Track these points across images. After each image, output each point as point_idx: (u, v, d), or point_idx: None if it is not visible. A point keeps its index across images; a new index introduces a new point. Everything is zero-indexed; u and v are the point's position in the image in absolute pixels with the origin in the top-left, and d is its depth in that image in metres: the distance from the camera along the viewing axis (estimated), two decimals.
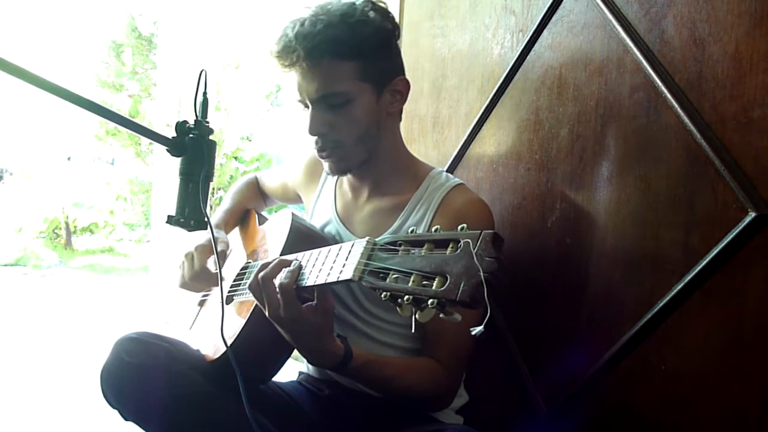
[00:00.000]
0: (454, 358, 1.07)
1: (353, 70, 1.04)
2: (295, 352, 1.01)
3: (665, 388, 1.02)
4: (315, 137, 1.09)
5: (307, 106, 1.08)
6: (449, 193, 1.12)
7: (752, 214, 0.90)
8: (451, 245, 0.65)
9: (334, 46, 1.02)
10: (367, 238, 0.77)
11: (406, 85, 1.13)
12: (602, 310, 1.12)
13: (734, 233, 0.92)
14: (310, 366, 1.25)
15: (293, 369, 1.24)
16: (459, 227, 0.67)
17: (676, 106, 0.99)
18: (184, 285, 1.24)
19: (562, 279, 1.20)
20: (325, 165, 1.14)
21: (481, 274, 0.60)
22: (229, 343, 0.98)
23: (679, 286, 0.99)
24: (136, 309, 4.05)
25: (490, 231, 0.64)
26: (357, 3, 1.06)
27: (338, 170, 1.14)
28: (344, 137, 1.08)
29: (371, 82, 1.07)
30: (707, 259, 0.95)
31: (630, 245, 1.07)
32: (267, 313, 0.90)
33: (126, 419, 1.03)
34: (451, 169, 1.45)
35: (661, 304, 1.01)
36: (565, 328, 1.18)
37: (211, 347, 1.08)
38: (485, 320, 0.59)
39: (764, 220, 0.89)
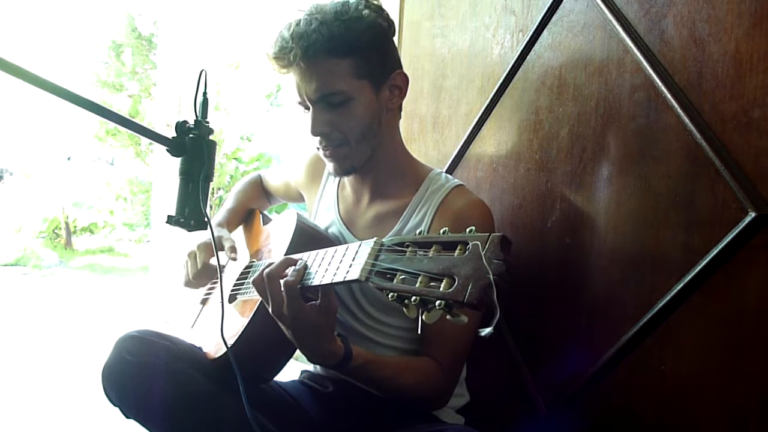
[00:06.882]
0: (451, 359, 1.07)
1: (350, 68, 1.05)
2: (297, 353, 1.01)
3: (665, 388, 1.02)
4: (318, 137, 1.09)
5: (307, 108, 1.09)
6: (448, 195, 1.12)
7: (752, 214, 0.90)
8: (459, 247, 0.66)
9: (330, 44, 1.02)
10: (374, 238, 0.77)
11: (405, 80, 1.13)
12: (602, 310, 1.12)
13: (734, 233, 0.92)
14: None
15: (295, 369, 1.24)
16: (467, 229, 0.67)
17: (676, 106, 1.00)
18: (188, 283, 1.25)
19: (562, 279, 1.20)
20: (330, 166, 1.14)
21: (491, 276, 0.61)
22: (231, 342, 0.98)
23: (679, 286, 0.99)
24: (136, 309, 4.05)
25: (498, 234, 0.64)
26: (351, 1, 1.07)
27: (343, 170, 1.14)
28: (347, 135, 1.08)
29: (368, 79, 1.07)
30: (707, 259, 0.95)
31: (630, 245, 1.07)
32: (270, 310, 0.91)
33: (127, 417, 1.04)
34: (451, 169, 1.45)
35: (661, 304, 1.01)
36: (565, 328, 1.19)
37: (213, 345, 1.08)
38: (495, 322, 0.59)
39: (764, 220, 0.89)
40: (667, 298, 1.00)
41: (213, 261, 1.21)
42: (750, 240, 0.91)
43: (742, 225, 0.91)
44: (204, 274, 1.22)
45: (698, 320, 0.98)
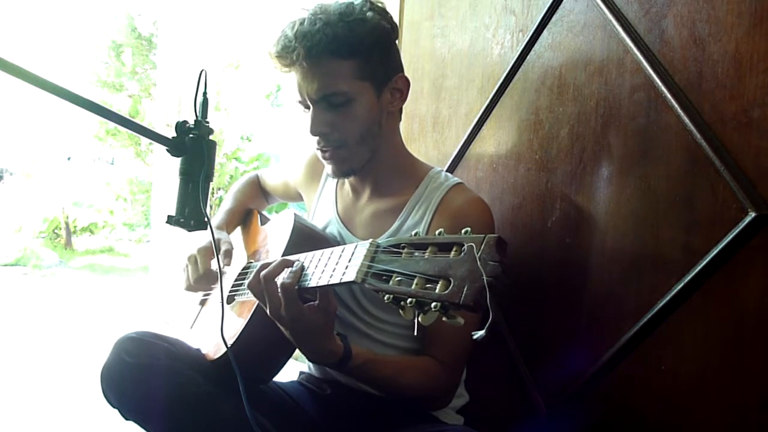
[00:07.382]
0: (453, 357, 1.07)
1: (352, 69, 1.05)
2: (296, 353, 1.01)
3: (665, 388, 1.02)
4: (317, 138, 1.09)
5: (308, 107, 1.08)
6: (448, 193, 1.12)
7: (752, 214, 0.90)
8: (454, 249, 0.66)
9: (333, 45, 1.02)
10: (370, 240, 0.77)
11: (406, 83, 1.13)
12: (602, 310, 1.12)
13: (734, 233, 0.92)
14: (311, 365, 1.25)
15: (294, 369, 1.24)
16: (463, 230, 0.67)
17: (676, 106, 1.00)
18: (189, 288, 1.24)
19: (562, 279, 1.20)
20: (328, 168, 1.14)
21: (485, 278, 0.60)
22: (229, 343, 0.98)
23: (679, 286, 0.99)
24: (136, 309, 4.05)
25: (494, 235, 0.64)
26: (355, 2, 1.06)
27: (341, 172, 1.13)
28: (346, 136, 1.08)
29: (371, 81, 1.07)
30: (707, 259, 0.95)
31: (630, 245, 1.07)
32: (268, 312, 0.91)
33: (126, 419, 1.03)
34: (451, 169, 1.45)
35: (661, 304, 1.01)
36: (565, 328, 1.18)
37: (212, 346, 1.08)
38: (487, 325, 0.59)
39: (764, 220, 0.89)
40: (667, 298, 1.00)
41: (214, 264, 1.21)
42: (750, 240, 0.91)
43: (742, 225, 0.91)
44: (205, 278, 1.21)
45: (698, 320, 0.97)
